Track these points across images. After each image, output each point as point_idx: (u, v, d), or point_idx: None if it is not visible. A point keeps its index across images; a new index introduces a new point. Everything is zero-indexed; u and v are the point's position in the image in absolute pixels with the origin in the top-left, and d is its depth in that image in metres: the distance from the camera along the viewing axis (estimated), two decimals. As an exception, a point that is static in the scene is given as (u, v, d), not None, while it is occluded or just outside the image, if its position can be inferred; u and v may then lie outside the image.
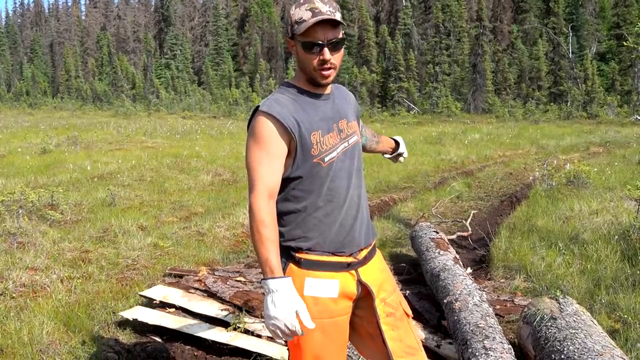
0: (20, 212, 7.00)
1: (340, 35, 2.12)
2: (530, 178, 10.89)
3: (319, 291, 2.16)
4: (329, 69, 2.11)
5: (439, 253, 4.98)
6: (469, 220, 7.52)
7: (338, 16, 2.07)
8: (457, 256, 5.12)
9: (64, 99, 61.03)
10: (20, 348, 3.79)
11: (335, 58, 2.12)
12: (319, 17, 2.02)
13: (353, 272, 2.22)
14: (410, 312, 2.36)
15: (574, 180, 9.17)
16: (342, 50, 2.17)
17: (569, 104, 36.14)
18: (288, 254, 2.18)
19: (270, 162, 2.09)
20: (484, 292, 4.09)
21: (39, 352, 3.75)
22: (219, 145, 18.33)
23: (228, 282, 4.69)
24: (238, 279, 4.87)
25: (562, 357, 2.92)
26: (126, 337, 4.15)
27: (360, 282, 2.23)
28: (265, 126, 2.09)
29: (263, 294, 4.37)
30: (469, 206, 9.00)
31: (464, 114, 37.48)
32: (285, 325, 1.92)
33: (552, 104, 36.73)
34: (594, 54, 42.64)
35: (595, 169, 10.14)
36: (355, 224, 2.24)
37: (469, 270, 5.49)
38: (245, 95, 47.12)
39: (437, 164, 13.85)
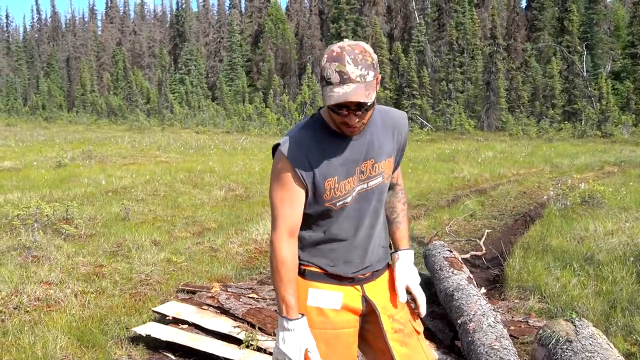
0: (35, 226, 7.06)
1: (371, 99, 1.94)
2: (545, 197, 10.82)
3: (322, 302, 2.17)
4: (354, 127, 2.03)
5: (452, 272, 4.96)
6: (482, 240, 7.48)
7: (370, 76, 1.93)
8: (471, 276, 5.09)
9: (79, 113, 61.58)
10: (34, 363, 3.81)
11: (362, 117, 2.01)
12: (344, 95, 1.89)
13: (358, 287, 2.23)
14: (421, 329, 2.33)
15: (588, 200, 9.12)
16: (373, 107, 2.05)
17: (583, 122, 35.93)
18: None
19: (291, 201, 2.09)
20: (498, 313, 4.06)
21: (52, 367, 3.77)
22: (232, 160, 18.41)
23: (241, 299, 4.70)
24: (251, 295, 4.87)
25: (578, 380, 2.89)
26: (139, 353, 4.16)
27: (365, 298, 2.23)
28: (283, 168, 2.08)
29: (275, 311, 4.39)
30: (483, 225, 8.95)
31: (477, 131, 37.39)
32: None
33: (566, 122, 36.53)
34: (608, 73, 42.40)
35: (610, 189, 10.08)
36: (362, 260, 2.23)
37: (483, 290, 5.46)
38: (258, 110, 47.26)
39: (450, 182, 13.81)
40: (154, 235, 7.78)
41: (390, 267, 2.37)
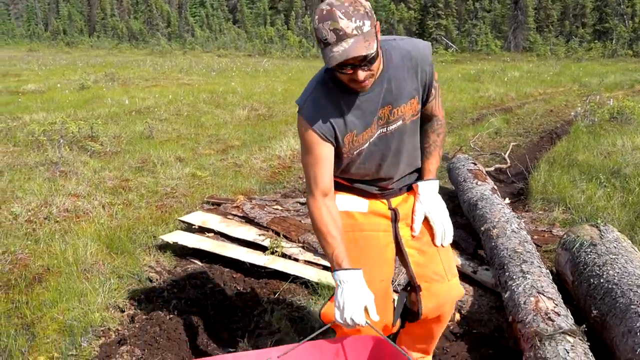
0: (61, 142, 7.13)
1: (373, 49, 1.82)
2: (572, 114, 10.62)
3: (349, 205, 2.23)
4: (364, 81, 1.92)
5: (476, 183, 4.93)
6: (507, 153, 7.41)
7: (367, 26, 1.80)
8: (495, 187, 5.07)
9: (100, 38, 61.25)
10: (66, 267, 3.92)
11: (371, 68, 1.91)
12: (344, 52, 1.78)
13: (384, 200, 2.27)
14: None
15: (617, 116, 8.95)
16: (379, 57, 1.94)
17: (614, 41, 34.91)
18: None
19: (321, 163, 2.07)
20: (522, 221, 4.05)
21: (83, 271, 3.88)
22: (255, 82, 18.27)
23: (265, 209, 4.75)
24: (275, 207, 4.92)
25: (602, 281, 2.89)
26: (167, 260, 4.25)
27: (391, 209, 2.27)
28: (307, 133, 2.05)
29: (300, 221, 4.44)
30: (508, 142, 8.84)
31: (503, 52, 36.59)
32: (352, 318, 1.92)
33: (596, 41, 35.54)
34: (643, -11, 40.79)
35: (640, 105, 9.86)
36: (386, 190, 2.26)
37: (507, 201, 5.44)
38: (280, 33, 46.61)
39: (475, 101, 13.60)
40: (178, 152, 7.84)
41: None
